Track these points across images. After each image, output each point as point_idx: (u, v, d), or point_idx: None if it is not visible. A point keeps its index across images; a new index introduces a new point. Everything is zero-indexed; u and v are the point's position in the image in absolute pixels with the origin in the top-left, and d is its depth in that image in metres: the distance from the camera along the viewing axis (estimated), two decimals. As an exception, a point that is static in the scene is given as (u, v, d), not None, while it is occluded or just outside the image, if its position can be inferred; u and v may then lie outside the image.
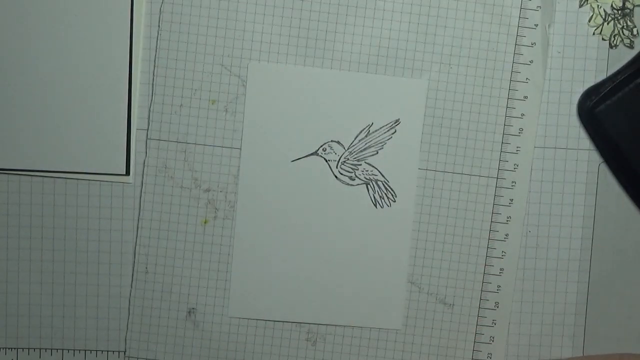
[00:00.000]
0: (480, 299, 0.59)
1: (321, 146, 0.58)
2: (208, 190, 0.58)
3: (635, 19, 0.57)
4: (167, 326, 0.59)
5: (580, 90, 0.58)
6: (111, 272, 0.59)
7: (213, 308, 0.59)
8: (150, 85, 0.58)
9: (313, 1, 0.57)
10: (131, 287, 0.59)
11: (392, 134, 0.58)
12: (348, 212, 0.58)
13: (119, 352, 0.59)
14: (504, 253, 0.59)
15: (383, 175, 0.58)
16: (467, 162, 0.58)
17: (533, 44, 0.58)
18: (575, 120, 0.58)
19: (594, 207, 0.59)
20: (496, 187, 0.58)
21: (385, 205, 0.58)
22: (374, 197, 0.58)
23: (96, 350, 0.59)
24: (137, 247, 0.58)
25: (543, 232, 0.59)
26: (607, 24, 0.57)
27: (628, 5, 0.57)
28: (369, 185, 0.58)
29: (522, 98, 0.58)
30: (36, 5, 0.56)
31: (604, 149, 0.58)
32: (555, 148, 0.58)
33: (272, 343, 0.59)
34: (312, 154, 0.58)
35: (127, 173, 0.58)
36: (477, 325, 0.59)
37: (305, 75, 0.58)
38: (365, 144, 0.58)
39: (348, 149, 0.58)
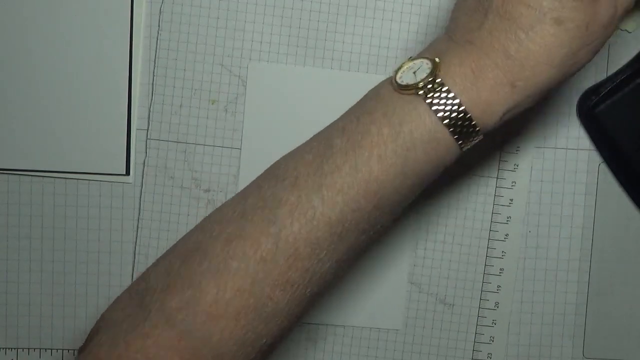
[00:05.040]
0: (480, 299, 0.59)
1: (321, 146, 0.58)
2: (208, 190, 0.58)
3: None
4: (167, 326, 0.59)
5: (580, 90, 0.58)
6: (111, 272, 0.59)
7: (213, 308, 0.59)
8: (150, 85, 0.58)
9: (313, 1, 0.57)
10: (131, 287, 0.59)
11: (392, 134, 0.58)
12: (348, 212, 0.58)
13: (119, 352, 0.59)
14: (504, 253, 0.59)
15: (383, 175, 0.58)
16: (467, 162, 0.58)
17: (533, 44, 0.57)
18: (575, 120, 0.58)
19: (594, 207, 0.59)
20: (496, 187, 0.58)
21: (385, 205, 0.58)
22: (374, 197, 0.58)
23: (96, 350, 0.59)
24: (137, 247, 0.58)
25: (543, 232, 0.59)
26: None
27: None
28: (369, 185, 0.58)
29: (522, 98, 0.58)
30: (36, 5, 0.56)
31: (604, 149, 0.58)
32: (555, 148, 0.58)
33: (272, 343, 0.59)
34: (312, 154, 0.58)
35: (127, 173, 0.58)
36: (477, 325, 0.59)
37: (305, 75, 0.58)
38: (365, 144, 0.58)
39: (348, 149, 0.58)
